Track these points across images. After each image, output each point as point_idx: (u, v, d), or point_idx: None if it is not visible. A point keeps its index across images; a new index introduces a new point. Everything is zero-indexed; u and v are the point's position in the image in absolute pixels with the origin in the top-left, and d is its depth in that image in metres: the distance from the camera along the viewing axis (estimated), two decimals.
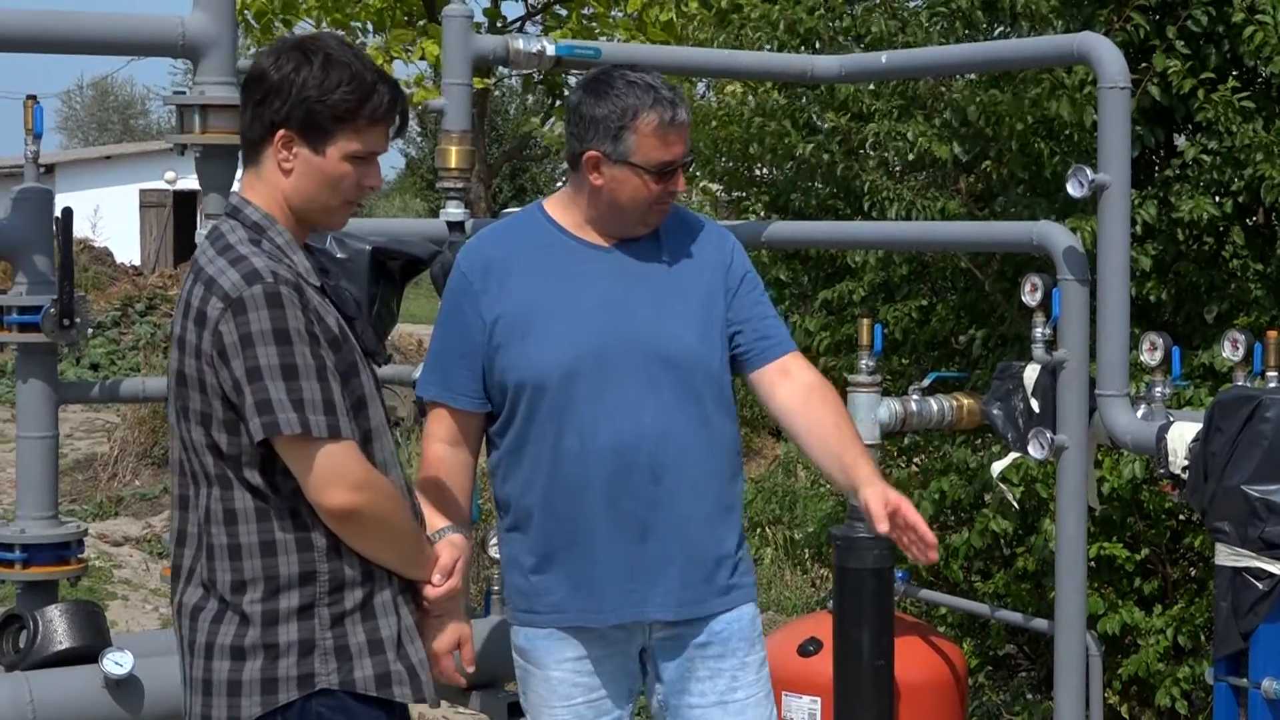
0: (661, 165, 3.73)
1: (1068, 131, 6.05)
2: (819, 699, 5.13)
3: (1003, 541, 6.60)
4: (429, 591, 3.30)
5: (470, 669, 3.77)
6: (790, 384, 3.85)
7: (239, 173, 3.36)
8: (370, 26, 17.18)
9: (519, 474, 3.80)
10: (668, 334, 3.77)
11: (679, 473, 3.75)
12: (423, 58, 16.70)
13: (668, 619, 3.80)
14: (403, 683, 3.21)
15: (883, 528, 3.59)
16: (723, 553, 3.83)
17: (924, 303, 6.66)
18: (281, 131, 3.16)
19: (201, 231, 4.39)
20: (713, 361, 3.82)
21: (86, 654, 4.46)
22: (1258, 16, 5.70)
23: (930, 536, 3.58)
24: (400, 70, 18.31)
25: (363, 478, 3.11)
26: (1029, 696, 7.17)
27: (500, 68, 12.44)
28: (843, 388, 5.10)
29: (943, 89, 6.43)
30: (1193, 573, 6.50)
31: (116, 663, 4.38)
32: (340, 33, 16.51)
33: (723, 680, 3.86)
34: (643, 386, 3.73)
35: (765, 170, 7.45)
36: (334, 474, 3.07)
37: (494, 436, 3.85)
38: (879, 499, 3.60)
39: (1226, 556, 4.12)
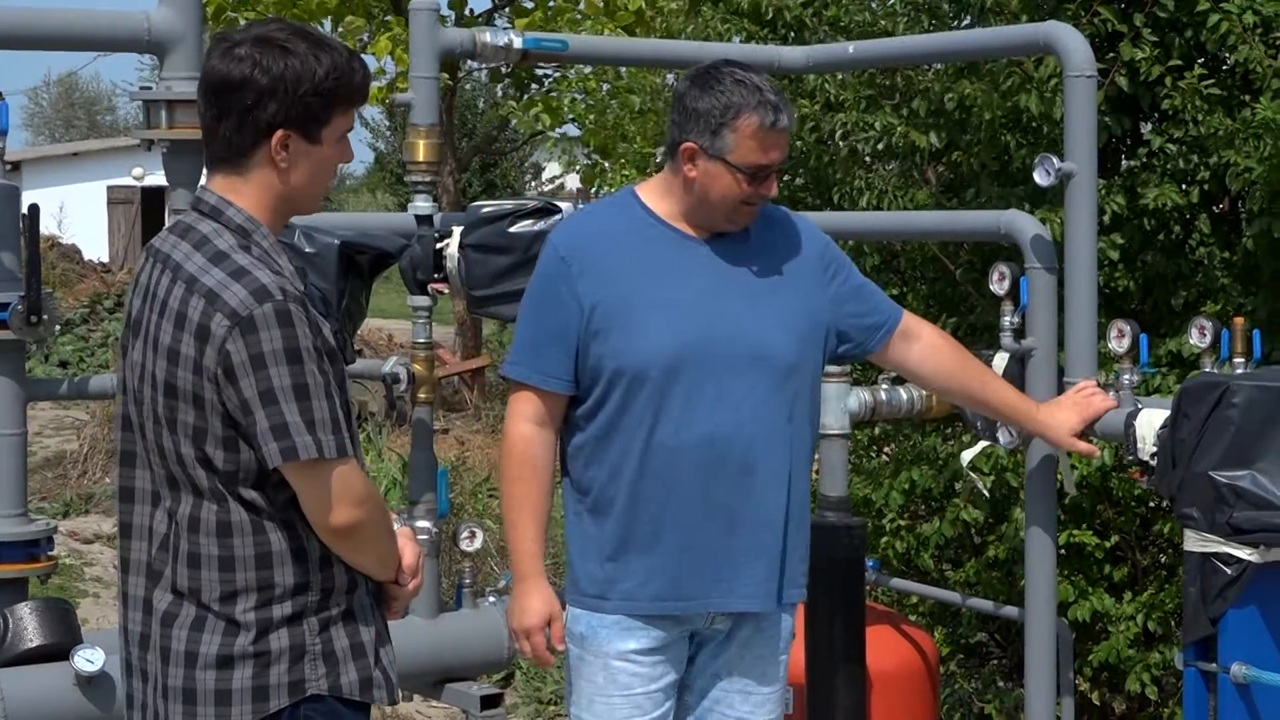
0: (756, 168, 3.77)
1: (1036, 124, 6.07)
2: (792, 688, 5.12)
3: (973, 530, 6.63)
4: (403, 593, 3.29)
5: (561, 646, 3.82)
6: (919, 346, 4.10)
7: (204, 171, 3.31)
8: (327, 22, 17.05)
9: (606, 460, 3.83)
10: (763, 331, 3.82)
11: (769, 469, 3.83)
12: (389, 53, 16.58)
13: (753, 610, 3.88)
14: (380, 686, 3.21)
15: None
16: (800, 549, 3.93)
17: (894, 292, 6.67)
18: (280, 132, 3.10)
19: None
20: (804, 360, 3.89)
21: (57, 651, 4.45)
22: (1221, 4, 5.72)
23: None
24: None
25: (364, 492, 3.11)
26: (1000, 684, 7.20)
27: (468, 61, 12.43)
28: None
29: (915, 79, 6.45)
30: (1162, 559, 6.53)
31: (88, 660, 4.37)
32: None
33: (754, 673, 3.95)
34: (739, 382, 3.79)
35: None
36: (341, 494, 3.07)
37: (579, 420, 3.87)
38: (1072, 426, 4.35)
39: (1195, 542, 4.12)
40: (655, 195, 3.89)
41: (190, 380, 3.05)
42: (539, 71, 18.28)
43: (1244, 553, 4.05)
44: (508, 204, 4.88)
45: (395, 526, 3.30)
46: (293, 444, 3.01)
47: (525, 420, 3.85)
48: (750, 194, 3.79)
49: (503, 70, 18.62)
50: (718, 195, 3.79)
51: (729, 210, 3.82)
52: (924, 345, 4.12)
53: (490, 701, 4.99)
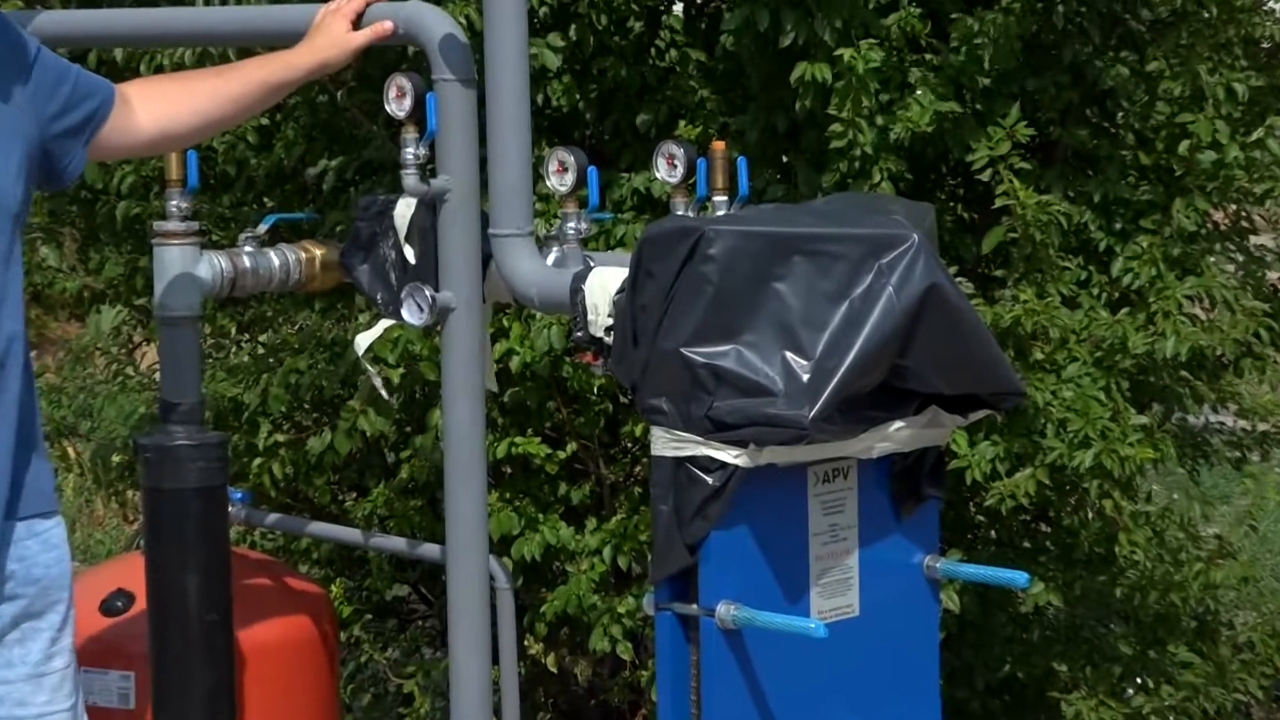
0: None
1: None
2: (131, 674, 5.13)
3: (383, 445, 6.65)
4: None
5: None
6: (143, 106, 4.32)
7: None
8: None
9: None
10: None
11: None
12: None
13: None
14: None
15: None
16: (36, 468, 4.00)
17: (264, 122, 6.61)
18: None
19: None
20: (22, 206, 4.03)
21: None
22: None
23: None
24: None
25: None
26: (428, 653, 7.29)
27: None
28: (150, 239, 5.04)
29: None
30: (638, 472, 6.66)
31: None
32: None
33: (39, 643, 3.97)
34: None
35: None
36: None
37: None
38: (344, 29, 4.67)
39: (665, 444, 4.19)
40: None
41: None
42: None
43: (729, 454, 4.14)
44: None
45: None
46: None
47: None
48: None
49: None
50: None
51: None
52: (145, 97, 4.35)
53: None
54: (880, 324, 4.11)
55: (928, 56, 5.94)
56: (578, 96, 6.24)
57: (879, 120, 5.80)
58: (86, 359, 8.35)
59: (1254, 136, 5.99)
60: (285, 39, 4.83)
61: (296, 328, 6.83)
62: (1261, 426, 6.91)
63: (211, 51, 5.97)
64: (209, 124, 4.58)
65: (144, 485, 5.01)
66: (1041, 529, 6.85)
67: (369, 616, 7.32)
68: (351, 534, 6.04)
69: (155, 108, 4.37)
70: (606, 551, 6.30)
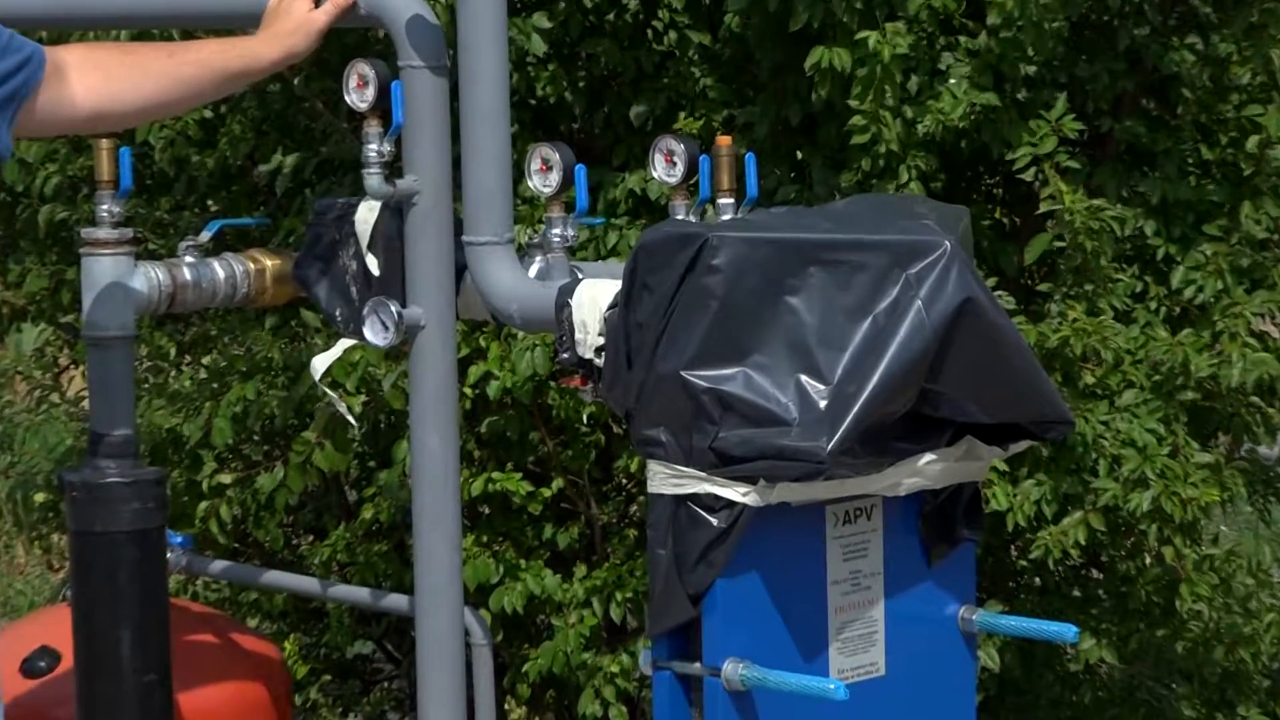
0: None
1: None
2: None
3: (342, 481, 6.65)
4: None
5: None
6: (80, 78, 4.29)
7: None
8: None
9: None
10: None
11: None
12: None
13: None
14: None
15: None
16: None
17: (207, 115, 6.62)
18: None
19: None
20: None
21: None
22: None
23: None
24: None
25: None
26: (394, 718, 7.30)
27: None
28: (78, 248, 5.05)
29: None
30: (633, 512, 6.68)
31: None
32: None
33: None
34: None
35: None
36: None
37: None
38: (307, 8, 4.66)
39: (664, 480, 4.19)
40: None
41: None
42: None
43: (736, 492, 4.14)
44: None
45: None
46: None
47: None
48: None
49: None
50: None
51: None
52: (83, 69, 4.31)
53: None
54: (908, 343, 4.10)
55: (962, 39, 5.93)
56: (565, 85, 6.26)
57: (906, 112, 5.80)
58: (5, 384, 8.37)
59: None
60: (236, 21, 4.82)
61: (244, 349, 6.82)
62: None
63: (154, 32, 5.95)
64: (152, 107, 4.53)
65: (71, 528, 4.99)
66: (1093, 576, 6.86)
67: (327, 677, 7.33)
68: (307, 583, 6.04)
69: (93, 82, 4.33)
70: (597, 603, 6.31)
